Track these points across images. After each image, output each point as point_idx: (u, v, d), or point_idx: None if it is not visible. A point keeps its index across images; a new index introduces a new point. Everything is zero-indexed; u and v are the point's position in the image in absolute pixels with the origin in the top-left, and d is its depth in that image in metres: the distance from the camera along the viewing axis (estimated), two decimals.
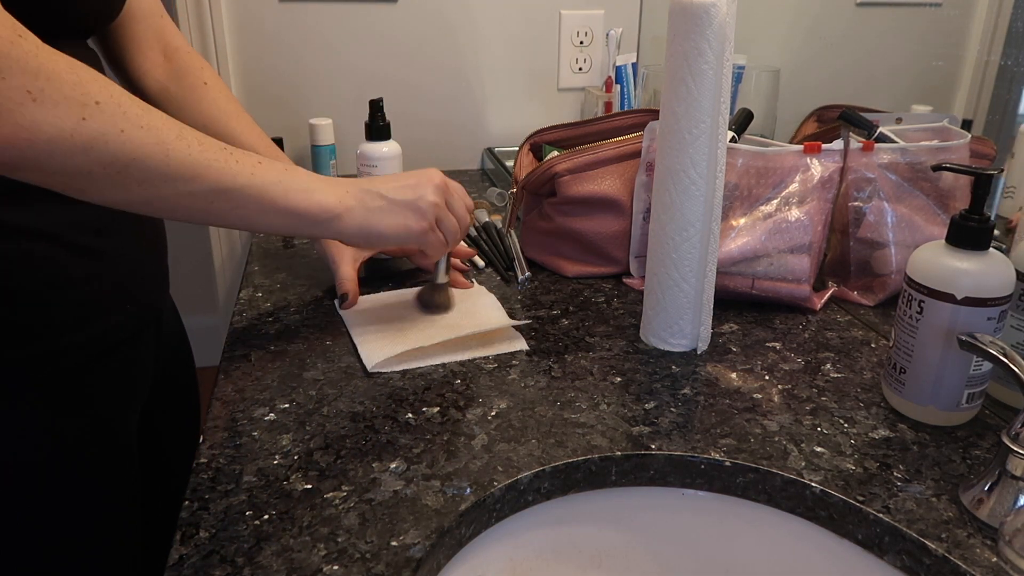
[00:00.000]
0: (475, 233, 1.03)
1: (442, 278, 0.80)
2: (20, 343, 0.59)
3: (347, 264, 0.82)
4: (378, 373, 0.69)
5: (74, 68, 0.48)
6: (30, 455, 0.62)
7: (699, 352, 0.74)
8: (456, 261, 0.89)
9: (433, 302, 0.80)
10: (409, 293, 0.84)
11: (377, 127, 0.94)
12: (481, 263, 0.95)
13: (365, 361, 0.70)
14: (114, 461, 0.69)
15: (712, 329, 0.78)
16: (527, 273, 0.90)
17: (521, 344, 0.75)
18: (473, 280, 0.89)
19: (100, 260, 0.64)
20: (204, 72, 0.80)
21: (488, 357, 0.72)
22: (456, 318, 0.79)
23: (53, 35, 0.60)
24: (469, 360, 0.72)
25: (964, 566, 0.49)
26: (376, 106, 0.94)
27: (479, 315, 0.79)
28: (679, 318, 0.73)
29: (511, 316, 0.80)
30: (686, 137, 0.67)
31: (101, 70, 0.69)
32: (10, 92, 0.44)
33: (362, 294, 0.82)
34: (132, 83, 0.78)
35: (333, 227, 0.64)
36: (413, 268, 0.91)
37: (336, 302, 0.81)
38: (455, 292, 0.83)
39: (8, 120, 0.44)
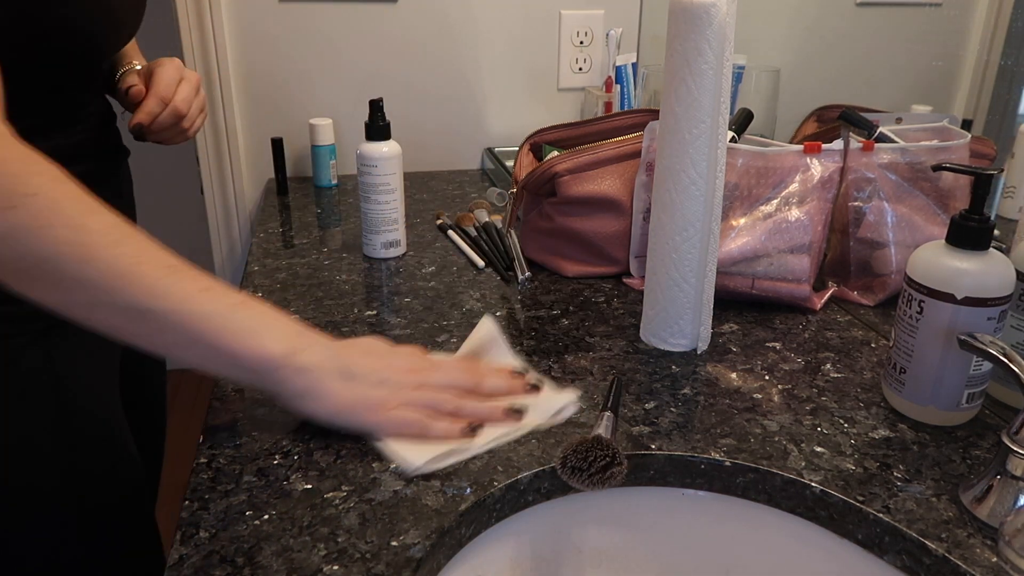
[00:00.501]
0: (475, 233, 1.03)
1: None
2: (14, 299, 0.58)
3: (133, 80, 0.78)
4: None
5: (24, 159, 0.48)
6: (35, 403, 0.67)
7: (699, 352, 0.74)
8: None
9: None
10: None
11: (377, 127, 0.94)
12: (481, 263, 0.95)
13: (403, 463, 0.56)
14: (110, 411, 0.76)
15: (712, 329, 0.78)
16: (527, 273, 0.90)
17: (569, 396, 0.64)
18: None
19: None
20: None
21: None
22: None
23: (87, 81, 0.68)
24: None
25: (964, 566, 0.49)
26: (376, 106, 0.94)
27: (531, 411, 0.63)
28: (679, 318, 0.73)
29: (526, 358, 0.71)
30: (686, 137, 0.67)
31: (113, 119, 0.76)
32: None
33: None
34: None
35: (271, 380, 0.55)
36: None
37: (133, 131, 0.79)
38: None
39: None
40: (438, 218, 1.10)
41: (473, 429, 0.58)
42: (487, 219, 1.04)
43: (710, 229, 0.70)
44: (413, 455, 0.56)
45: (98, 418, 0.73)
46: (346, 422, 0.58)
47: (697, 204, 0.69)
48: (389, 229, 0.96)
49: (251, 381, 0.56)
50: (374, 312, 0.82)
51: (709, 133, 0.67)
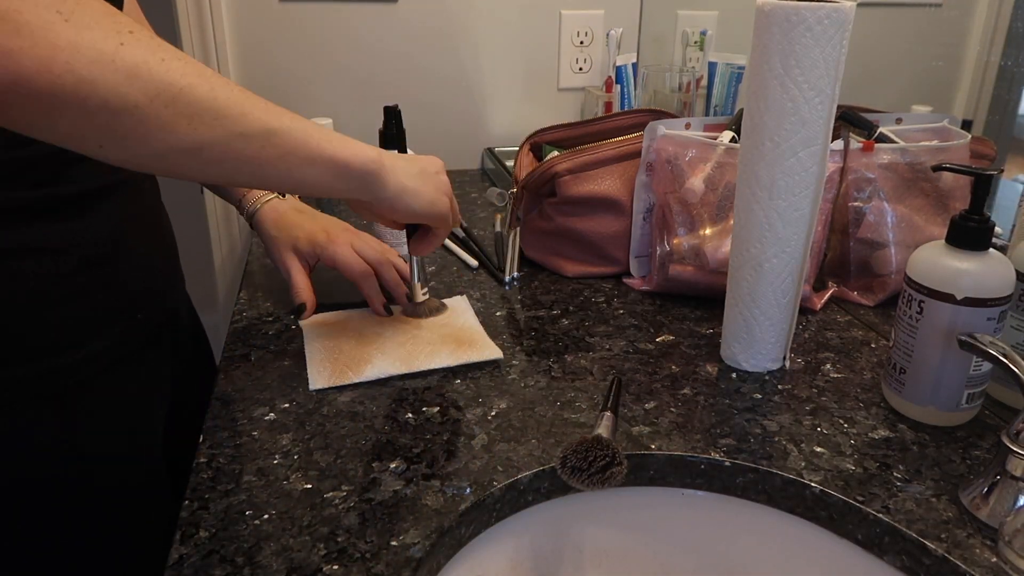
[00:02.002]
0: (463, 233, 1.03)
1: (420, 296, 0.79)
2: (26, 359, 0.59)
3: (299, 272, 0.78)
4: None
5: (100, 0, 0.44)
6: (52, 471, 0.62)
7: (787, 367, 0.72)
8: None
9: (422, 313, 0.79)
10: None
11: (390, 135, 0.86)
12: (474, 263, 0.95)
13: (311, 380, 0.68)
14: (142, 472, 0.69)
15: (712, 329, 0.78)
16: (515, 273, 0.90)
17: (495, 353, 0.72)
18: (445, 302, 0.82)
19: (112, 270, 0.63)
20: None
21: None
22: (419, 345, 0.73)
23: None
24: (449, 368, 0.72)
25: (964, 566, 0.49)
26: (389, 112, 0.85)
27: (444, 345, 0.73)
28: (766, 339, 0.71)
29: (494, 333, 0.76)
30: (791, 161, 0.64)
31: None
32: (40, 11, 0.39)
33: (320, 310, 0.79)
34: None
35: (375, 182, 0.59)
36: (360, 300, 0.81)
37: (292, 315, 0.78)
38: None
39: (42, 40, 0.39)
40: None
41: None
42: (498, 203, 1.01)
43: (807, 250, 0.68)
44: (322, 375, 0.68)
45: (128, 488, 0.68)
46: (433, 211, 0.66)
47: (801, 226, 0.67)
48: (398, 243, 0.91)
49: (353, 185, 0.59)
50: None
51: (821, 153, 0.64)
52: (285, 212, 0.81)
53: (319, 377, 0.68)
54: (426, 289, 0.80)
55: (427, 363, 0.70)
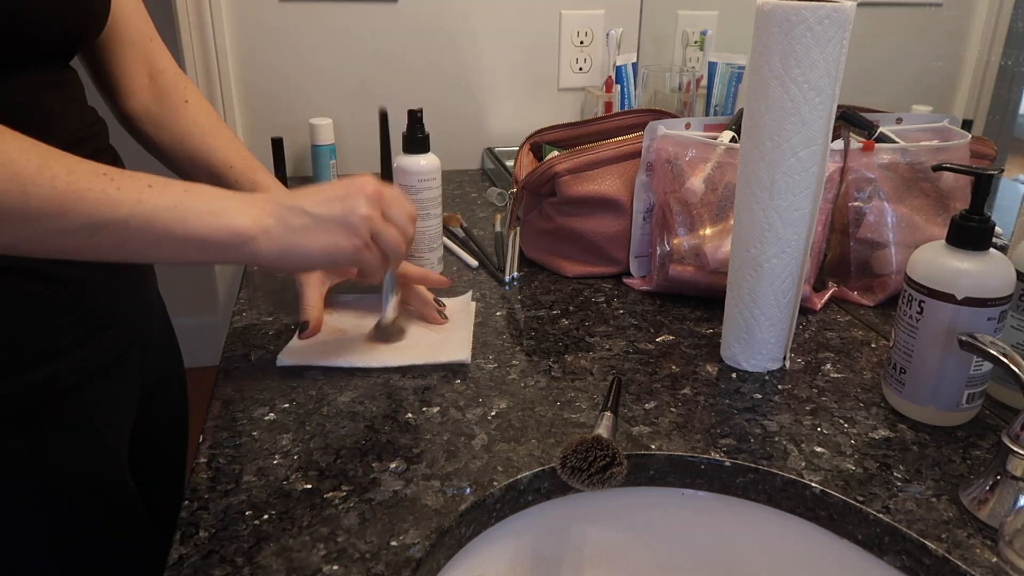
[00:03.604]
0: (463, 234, 1.03)
1: (389, 316, 0.75)
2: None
3: (313, 288, 0.76)
4: (369, 369, 0.69)
5: None
6: (18, 492, 0.61)
7: (787, 368, 0.72)
8: (428, 295, 0.79)
9: (382, 338, 0.75)
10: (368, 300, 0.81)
11: (415, 139, 0.86)
12: (474, 263, 0.95)
13: (279, 357, 0.71)
14: (110, 490, 0.68)
15: (712, 329, 0.78)
16: (514, 273, 0.90)
17: (463, 355, 0.71)
18: (448, 316, 0.79)
19: (76, 290, 0.62)
20: (187, 91, 0.77)
21: (488, 357, 0.72)
22: (400, 348, 0.74)
23: (26, 62, 0.58)
24: (464, 362, 0.72)
25: (964, 566, 0.49)
26: (413, 116, 0.85)
27: (426, 347, 0.73)
28: (767, 339, 0.71)
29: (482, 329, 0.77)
30: (791, 160, 0.64)
31: (82, 90, 0.68)
32: None
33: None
34: (117, 104, 0.76)
35: (247, 251, 0.55)
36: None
37: (297, 329, 0.75)
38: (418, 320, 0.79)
39: None
40: None
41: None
42: (501, 204, 1.01)
43: (807, 250, 0.68)
44: (294, 353, 0.71)
45: (96, 505, 0.66)
46: (333, 260, 0.60)
47: (802, 226, 0.66)
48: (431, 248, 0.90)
49: (224, 259, 0.56)
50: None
51: (821, 153, 0.64)
52: None
53: (288, 356, 0.71)
54: (394, 312, 0.76)
55: (392, 360, 0.71)
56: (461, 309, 0.81)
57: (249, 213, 0.55)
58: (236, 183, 0.75)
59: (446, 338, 0.75)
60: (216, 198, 0.55)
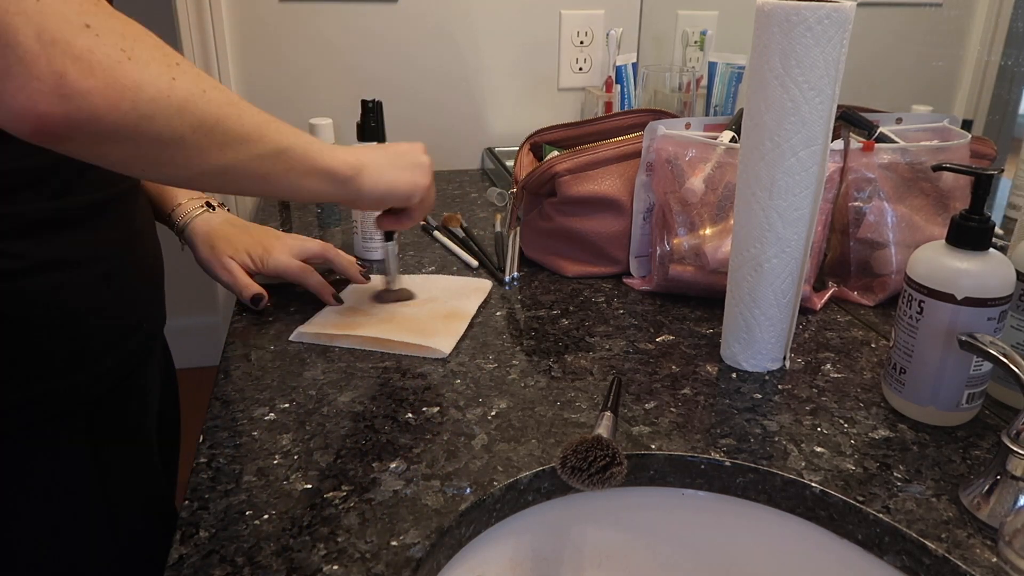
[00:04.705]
0: (463, 233, 1.03)
1: (396, 283, 0.83)
2: (54, 375, 0.59)
3: (240, 272, 0.79)
4: (367, 367, 0.69)
5: (144, 30, 0.46)
6: (78, 486, 0.63)
7: (787, 368, 0.72)
8: (351, 258, 0.86)
9: (392, 298, 0.83)
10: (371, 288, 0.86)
11: (369, 128, 0.92)
12: (474, 263, 0.95)
13: (295, 332, 0.76)
14: (149, 479, 0.71)
15: (712, 329, 0.78)
16: (514, 273, 0.90)
17: (439, 350, 0.73)
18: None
19: (117, 288, 0.64)
20: None
21: (488, 357, 0.72)
22: (400, 320, 0.78)
23: None
24: (467, 360, 0.72)
25: (964, 566, 0.49)
26: (366, 107, 0.92)
27: (422, 323, 0.77)
28: (768, 339, 0.71)
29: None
30: (791, 160, 0.64)
31: None
32: (108, 50, 0.42)
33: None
34: None
35: (357, 183, 0.64)
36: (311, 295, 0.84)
37: (251, 304, 0.79)
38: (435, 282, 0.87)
39: (112, 80, 0.42)
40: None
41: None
42: (499, 203, 1.03)
43: (806, 250, 0.68)
44: (306, 327, 0.76)
45: (138, 503, 0.70)
46: (407, 201, 0.70)
47: (802, 226, 0.67)
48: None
49: (339, 191, 0.64)
50: None
51: (821, 153, 0.64)
52: (218, 227, 0.81)
53: (301, 334, 0.75)
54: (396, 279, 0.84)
55: (383, 334, 0.75)
56: (471, 293, 0.85)
57: (351, 152, 0.64)
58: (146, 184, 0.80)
59: (432, 326, 0.77)
60: (324, 142, 0.62)
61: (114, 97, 0.42)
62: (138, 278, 0.67)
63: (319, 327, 0.76)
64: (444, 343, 0.74)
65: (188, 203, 0.80)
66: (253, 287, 0.79)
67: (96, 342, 0.62)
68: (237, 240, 0.80)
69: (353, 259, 0.85)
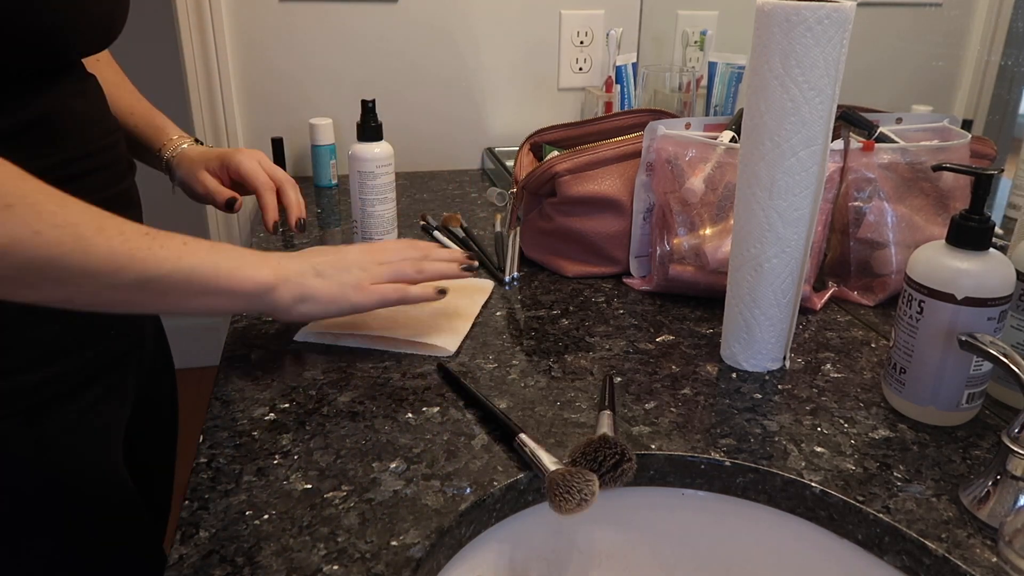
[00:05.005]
0: (463, 234, 1.02)
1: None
2: (1, 373, 0.58)
3: (213, 181, 0.82)
4: (366, 364, 0.69)
5: None
6: (23, 485, 0.61)
7: (787, 367, 0.72)
8: (299, 200, 0.87)
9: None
10: None
11: (369, 128, 0.93)
12: (475, 263, 0.94)
13: (299, 333, 0.76)
14: (108, 487, 0.69)
15: (712, 329, 0.78)
16: (514, 273, 0.90)
17: (451, 344, 0.74)
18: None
19: None
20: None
21: (488, 357, 0.72)
22: (404, 320, 0.77)
23: (58, 70, 0.61)
24: (467, 360, 0.72)
25: (964, 566, 0.49)
26: (366, 107, 0.93)
27: (426, 322, 0.77)
28: (768, 339, 0.71)
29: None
30: (791, 160, 0.64)
31: (103, 96, 0.70)
32: None
33: None
34: None
35: (268, 300, 0.62)
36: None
37: (225, 208, 0.82)
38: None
39: None
40: (422, 220, 1.09)
41: (442, 291, 0.73)
42: (499, 203, 1.04)
43: (806, 250, 0.68)
44: (442, 340, 0.74)
45: (95, 496, 0.68)
46: (340, 310, 0.67)
47: (802, 226, 0.67)
48: (385, 231, 0.96)
49: (248, 307, 0.65)
50: None
51: (822, 152, 0.64)
52: (198, 152, 0.85)
53: (307, 333, 0.75)
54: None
55: (390, 332, 0.74)
56: (473, 293, 0.85)
57: (268, 265, 0.62)
58: (137, 127, 0.83)
59: (444, 324, 0.77)
60: (239, 254, 0.61)
61: None
62: None
63: (324, 325, 0.75)
64: (450, 342, 0.74)
65: (178, 139, 0.86)
66: (226, 192, 0.82)
67: (51, 346, 0.61)
68: (210, 152, 0.84)
69: (301, 204, 0.85)
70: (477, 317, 0.80)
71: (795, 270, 0.68)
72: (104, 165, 0.66)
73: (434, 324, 0.77)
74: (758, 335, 0.70)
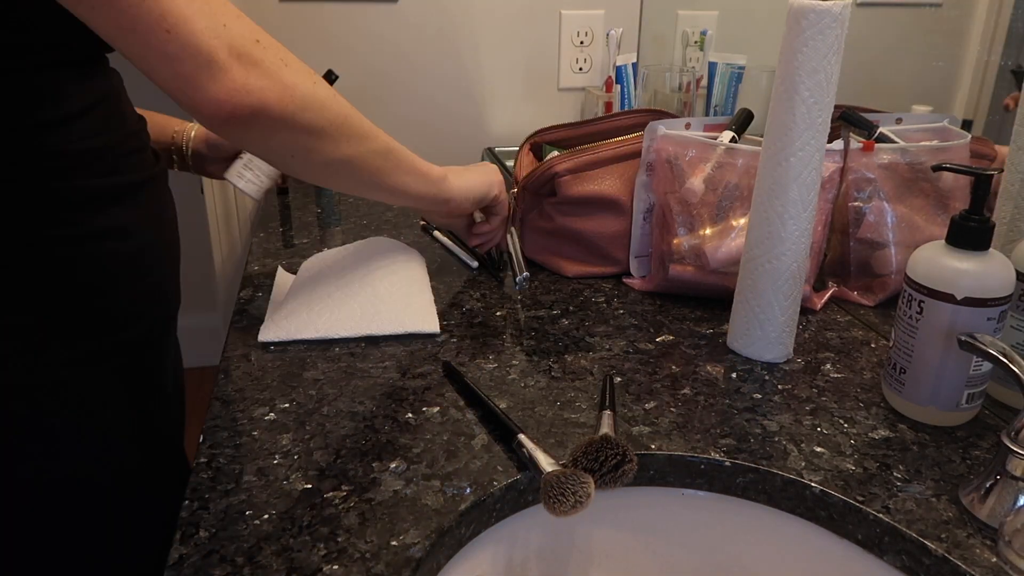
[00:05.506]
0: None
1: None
2: (105, 331, 0.63)
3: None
4: (367, 368, 0.69)
5: (284, 46, 0.60)
6: (119, 451, 0.66)
7: (787, 359, 0.73)
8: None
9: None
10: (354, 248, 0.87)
11: None
12: (474, 263, 0.95)
13: (261, 332, 0.75)
14: (174, 459, 0.74)
15: (712, 329, 0.78)
16: (525, 273, 0.89)
17: (432, 327, 0.77)
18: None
19: (151, 261, 0.68)
20: None
21: (488, 357, 0.72)
22: (367, 306, 0.78)
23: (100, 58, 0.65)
24: (467, 360, 0.72)
25: (964, 566, 0.49)
26: (330, 77, 0.96)
27: (397, 314, 0.77)
28: (772, 330, 0.71)
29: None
30: (791, 160, 0.65)
31: (121, 83, 0.72)
32: (273, 59, 0.57)
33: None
34: None
35: (448, 183, 0.78)
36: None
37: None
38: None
39: (278, 80, 0.57)
40: (422, 220, 1.09)
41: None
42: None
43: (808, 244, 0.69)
44: (273, 328, 0.75)
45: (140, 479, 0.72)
46: (489, 187, 0.84)
47: (804, 222, 0.67)
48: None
49: (429, 190, 0.76)
50: None
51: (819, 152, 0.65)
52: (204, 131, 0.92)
53: (268, 331, 0.75)
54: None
55: (367, 328, 0.75)
56: (415, 269, 0.86)
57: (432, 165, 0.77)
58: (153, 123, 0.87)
59: (408, 305, 0.78)
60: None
61: (280, 92, 0.57)
62: (164, 256, 0.71)
63: (294, 330, 0.75)
64: (429, 322, 0.77)
65: (189, 126, 0.92)
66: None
67: (134, 307, 0.66)
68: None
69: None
70: (475, 317, 0.80)
71: (796, 269, 0.68)
72: (145, 145, 0.71)
73: (403, 304, 0.78)
74: (768, 327, 0.70)
